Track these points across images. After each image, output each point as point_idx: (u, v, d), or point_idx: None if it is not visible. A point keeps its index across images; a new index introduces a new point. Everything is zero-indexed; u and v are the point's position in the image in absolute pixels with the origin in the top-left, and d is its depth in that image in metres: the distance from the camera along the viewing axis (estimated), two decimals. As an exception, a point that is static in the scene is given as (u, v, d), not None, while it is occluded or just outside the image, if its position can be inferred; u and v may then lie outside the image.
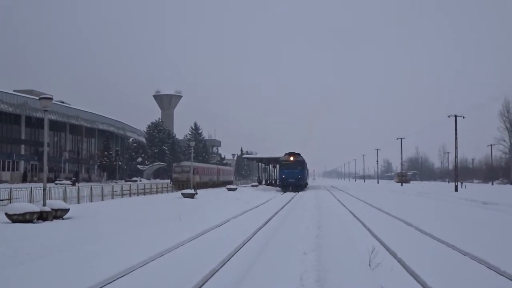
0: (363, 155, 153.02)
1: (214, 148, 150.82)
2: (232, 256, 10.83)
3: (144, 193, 40.71)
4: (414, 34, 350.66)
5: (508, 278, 8.72)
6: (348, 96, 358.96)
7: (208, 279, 8.52)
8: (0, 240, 12.56)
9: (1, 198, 22.31)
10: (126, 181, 75.15)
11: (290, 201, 33.92)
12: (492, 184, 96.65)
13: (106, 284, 7.99)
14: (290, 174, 54.28)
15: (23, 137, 67.57)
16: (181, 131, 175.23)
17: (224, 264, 9.90)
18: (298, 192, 50.39)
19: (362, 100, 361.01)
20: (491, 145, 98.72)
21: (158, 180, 79.48)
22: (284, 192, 51.03)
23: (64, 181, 56.69)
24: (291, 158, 55.71)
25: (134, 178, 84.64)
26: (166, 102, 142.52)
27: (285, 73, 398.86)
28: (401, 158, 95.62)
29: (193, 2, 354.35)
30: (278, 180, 62.22)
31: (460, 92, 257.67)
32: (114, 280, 8.26)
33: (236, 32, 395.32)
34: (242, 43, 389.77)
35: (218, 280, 8.52)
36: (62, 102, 74.60)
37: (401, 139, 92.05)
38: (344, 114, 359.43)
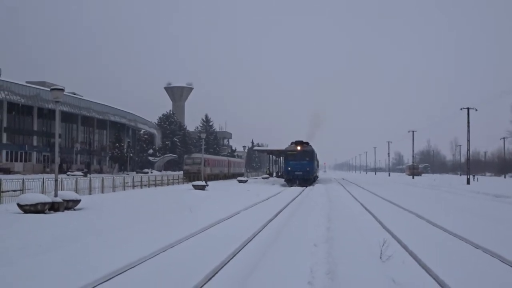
0: (374, 147, 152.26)
1: (225, 140, 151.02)
2: (243, 247, 10.83)
3: (155, 185, 40.81)
4: (425, 28, 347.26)
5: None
6: (360, 88, 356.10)
7: (219, 270, 8.55)
8: (11, 231, 12.64)
9: (14, 189, 22.44)
10: (137, 172, 75.50)
11: (301, 192, 33.82)
12: (505, 177, 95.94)
13: (116, 276, 8.00)
14: (297, 166, 47.12)
15: (35, 128, 68.16)
16: (192, 123, 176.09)
17: (235, 255, 9.89)
18: (306, 187, 43.71)
19: (374, 92, 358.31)
20: (503, 138, 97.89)
21: (169, 172, 79.81)
22: (290, 186, 45.21)
23: (76, 173, 57.14)
24: (298, 148, 48.19)
25: (145, 170, 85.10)
26: (178, 94, 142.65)
27: (296, 64, 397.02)
28: (413, 151, 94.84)
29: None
30: (283, 173, 54.06)
31: (472, 85, 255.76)
32: (124, 272, 8.28)
33: (247, 24, 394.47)
34: (252, 34, 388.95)
35: (229, 270, 8.58)
36: (74, 94, 75.04)
37: (413, 131, 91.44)
38: (355, 107, 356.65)
